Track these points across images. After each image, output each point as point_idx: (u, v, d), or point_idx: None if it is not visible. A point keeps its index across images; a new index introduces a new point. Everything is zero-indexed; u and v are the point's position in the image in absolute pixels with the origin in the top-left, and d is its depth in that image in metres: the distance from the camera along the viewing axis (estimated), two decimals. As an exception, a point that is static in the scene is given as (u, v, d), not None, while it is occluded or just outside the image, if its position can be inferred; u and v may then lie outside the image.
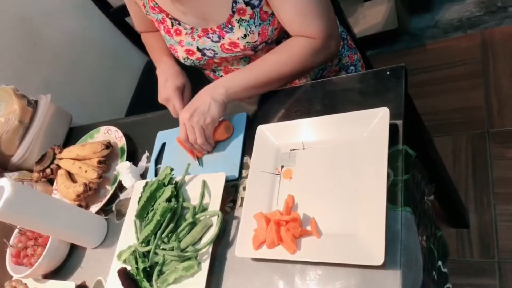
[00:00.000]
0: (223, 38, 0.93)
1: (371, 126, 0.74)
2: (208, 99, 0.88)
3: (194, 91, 0.92)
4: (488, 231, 1.40)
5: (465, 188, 1.50)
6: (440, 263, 0.85)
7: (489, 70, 1.68)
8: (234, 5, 0.86)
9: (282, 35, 0.97)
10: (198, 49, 0.98)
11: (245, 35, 0.91)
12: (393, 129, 0.73)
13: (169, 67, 1.03)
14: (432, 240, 0.82)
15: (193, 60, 1.02)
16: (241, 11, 0.87)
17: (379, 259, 0.62)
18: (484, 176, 1.49)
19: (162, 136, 1.06)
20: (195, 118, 0.87)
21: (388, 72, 0.81)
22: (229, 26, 0.90)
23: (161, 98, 1.00)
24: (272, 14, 0.89)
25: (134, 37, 1.84)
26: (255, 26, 0.90)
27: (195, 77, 1.14)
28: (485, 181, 1.48)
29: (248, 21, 0.89)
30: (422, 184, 0.84)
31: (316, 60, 0.90)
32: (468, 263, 1.38)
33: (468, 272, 1.36)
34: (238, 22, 0.89)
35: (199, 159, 0.96)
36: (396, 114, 0.75)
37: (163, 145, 1.04)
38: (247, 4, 0.86)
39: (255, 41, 0.92)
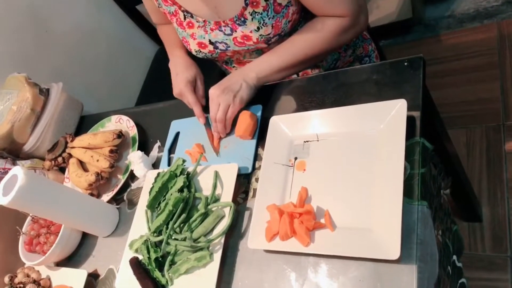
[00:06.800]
0: (236, 31, 0.92)
1: (388, 118, 0.73)
2: (240, 80, 0.90)
3: (207, 83, 0.91)
4: (501, 225, 1.38)
5: (479, 182, 1.48)
6: (455, 257, 0.83)
7: (506, 62, 1.65)
8: None
9: (296, 28, 0.95)
10: (211, 42, 0.97)
11: (258, 28, 0.89)
12: (410, 121, 0.71)
13: (180, 61, 1.03)
14: (447, 235, 0.81)
15: (205, 53, 1.01)
16: (254, 3, 0.86)
17: (395, 254, 0.61)
18: (498, 169, 1.47)
19: (176, 125, 1.04)
20: (225, 95, 0.88)
21: (405, 63, 0.80)
22: (242, 19, 0.89)
23: (175, 93, 1.00)
24: (286, 6, 0.87)
25: (145, 25, 1.83)
26: (269, 19, 0.88)
27: (208, 69, 1.13)
28: (499, 175, 1.46)
29: (261, 14, 0.87)
30: (438, 178, 0.83)
31: (346, 38, 0.90)
32: (480, 257, 1.37)
33: (480, 266, 1.35)
34: (251, 15, 0.87)
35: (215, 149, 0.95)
36: (414, 106, 0.74)
37: (177, 134, 1.03)
38: None
39: (268, 34, 0.91)
